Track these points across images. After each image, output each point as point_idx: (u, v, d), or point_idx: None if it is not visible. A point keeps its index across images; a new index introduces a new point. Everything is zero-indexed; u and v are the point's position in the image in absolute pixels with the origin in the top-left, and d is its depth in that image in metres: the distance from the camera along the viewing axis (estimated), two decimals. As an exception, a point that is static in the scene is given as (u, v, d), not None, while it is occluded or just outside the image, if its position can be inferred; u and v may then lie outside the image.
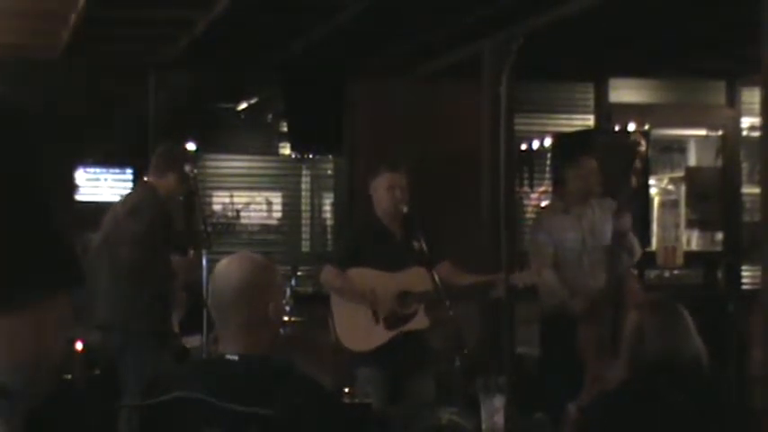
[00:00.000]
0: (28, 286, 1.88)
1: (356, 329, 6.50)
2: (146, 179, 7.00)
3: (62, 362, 1.99)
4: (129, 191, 7.69)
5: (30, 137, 2.00)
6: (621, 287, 6.58)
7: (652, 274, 10.46)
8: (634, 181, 6.77)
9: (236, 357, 3.33)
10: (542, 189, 10.98)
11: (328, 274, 6.59)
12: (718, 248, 11.19)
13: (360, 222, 7.29)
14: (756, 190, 9.79)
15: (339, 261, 6.60)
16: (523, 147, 10.94)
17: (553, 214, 7.61)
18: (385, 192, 6.53)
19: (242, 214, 11.68)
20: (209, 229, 7.43)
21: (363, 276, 6.49)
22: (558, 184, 8.63)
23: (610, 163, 7.85)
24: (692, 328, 3.86)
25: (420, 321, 6.52)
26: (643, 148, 6.91)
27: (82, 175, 10.89)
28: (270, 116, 11.35)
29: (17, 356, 1.88)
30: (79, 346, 7.56)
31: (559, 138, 10.66)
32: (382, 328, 6.47)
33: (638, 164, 6.76)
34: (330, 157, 11.43)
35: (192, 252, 7.02)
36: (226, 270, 3.41)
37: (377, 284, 6.46)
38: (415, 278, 6.38)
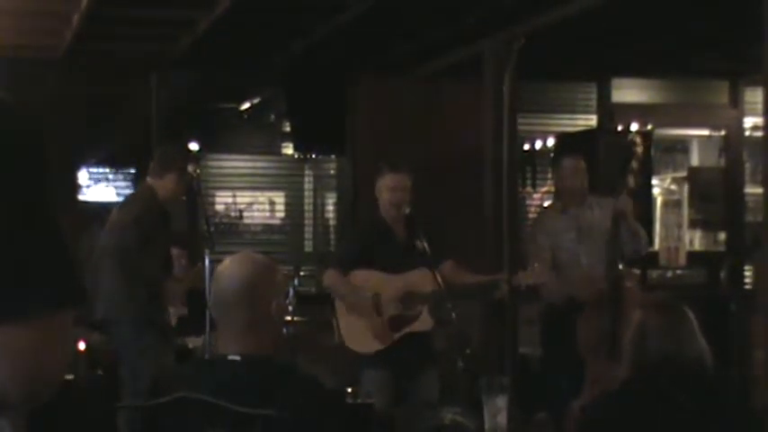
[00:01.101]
0: (29, 297, 1.88)
1: (361, 331, 6.50)
2: (146, 181, 7.04)
3: (61, 378, 1.98)
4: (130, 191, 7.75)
5: (37, 151, 2.00)
6: (620, 287, 6.57)
7: (654, 273, 10.46)
8: (631, 181, 6.76)
9: (238, 358, 3.32)
10: (545, 189, 10.98)
11: (331, 278, 6.58)
12: (721, 248, 11.18)
13: (363, 223, 7.29)
14: (759, 190, 9.78)
15: (341, 264, 6.60)
16: (526, 147, 10.94)
17: (551, 214, 7.62)
18: (387, 192, 6.53)
19: (245, 214, 11.69)
20: (212, 229, 7.43)
21: (367, 278, 6.49)
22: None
23: (609, 163, 7.84)
24: (697, 329, 3.85)
25: (424, 322, 6.52)
26: (640, 148, 6.89)
27: (84, 176, 10.90)
28: (272, 116, 11.35)
29: (14, 370, 1.87)
30: (82, 346, 7.57)
31: (562, 138, 10.65)
32: (387, 330, 6.47)
33: (634, 164, 6.74)
34: (333, 156, 11.43)
35: (199, 265, 7.01)
36: (228, 270, 3.41)
37: (380, 286, 6.46)
38: (419, 279, 6.38)
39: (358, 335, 6.51)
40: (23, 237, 1.84)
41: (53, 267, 1.86)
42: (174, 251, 6.99)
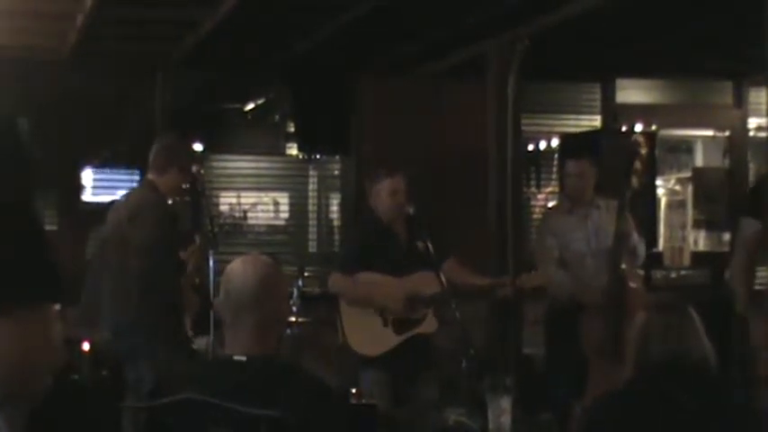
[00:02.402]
0: (12, 294, 1.89)
1: (365, 334, 6.50)
2: (147, 177, 6.88)
3: (48, 372, 2.00)
4: (130, 190, 7.49)
5: (18, 154, 2.01)
6: (624, 288, 6.57)
7: (659, 274, 10.45)
8: (635, 182, 6.75)
9: (243, 358, 3.33)
10: (549, 189, 10.99)
11: (336, 281, 6.58)
12: (726, 249, 11.17)
13: (363, 223, 7.29)
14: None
15: (345, 266, 6.60)
16: (530, 147, 10.94)
17: (558, 215, 7.61)
18: (387, 197, 6.54)
19: (249, 215, 11.69)
20: (216, 229, 7.41)
21: (371, 282, 6.49)
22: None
23: (612, 164, 7.83)
24: (700, 330, 3.85)
25: (429, 325, 6.53)
26: (644, 149, 6.89)
27: (88, 176, 10.90)
28: (277, 116, 11.35)
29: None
30: (86, 346, 7.56)
31: (566, 138, 10.65)
32: (391, 333, 6.48)
33: (638, 165, 6.74)
34: (337, 157, 11.43)
35: (197, 239, 6.92)
36: (242, 271, 3.42)
37: (385, 289, 6.46)
38: (423, 282, 6.38)
39: (362, 337, 6.51)
40: (6, 237, 1.85)
41: (35, 266, 1.87)
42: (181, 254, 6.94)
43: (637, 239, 7.12)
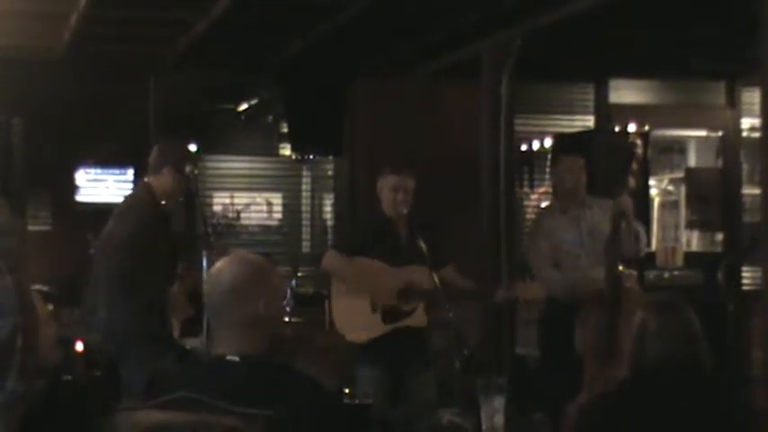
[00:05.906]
0: None
1: (352, 318, 6.50)
2: (144, 179, 6.88)
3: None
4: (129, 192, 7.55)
5: None
6: (619, 287, 6.56)
7: (652, 274, 10.45)
8: (632, 182, 6.74)
9: (236, 358, 3.32)
10: (542, 190, 10.98)
11: (331, 258, 6.58)
12: (718, 249, 11.18)
13: (365, 217, 7.30)
14: (756, 191, 9.78)
15: (342, 246, 6.63)
16: (523, 147, 10.94)
17: (551, 215, 7.60)
18: (388, 193, 6.54)
19: (242, 215, 11.70)
20: (210, 230, 7.40)
21: (367, 267, 6.49)
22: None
23: (607, 164, 7.83)
24: (698, 330, 3.85)
25: (418, 318, 6.52)
26: (640, 150, 6.87)
27: (82, 176, 10.89)
28: (270, 117, 11.36)
29: None
30: (80, 346, 7.56)
31: (559, 138, 10.65)
32: (378, 320, 6.48)
33: (635, 166, 6.73)
34: (330, 157, 11.44)
35: (195, 274, 6.92)
36: (218, 271, 3.42)
37: (379, 276, 6.46)
38: (419, 276, 6.38)
39: (350, 321, 6.52)
40: None
41: None
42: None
43: (638, 224, 7.03)
